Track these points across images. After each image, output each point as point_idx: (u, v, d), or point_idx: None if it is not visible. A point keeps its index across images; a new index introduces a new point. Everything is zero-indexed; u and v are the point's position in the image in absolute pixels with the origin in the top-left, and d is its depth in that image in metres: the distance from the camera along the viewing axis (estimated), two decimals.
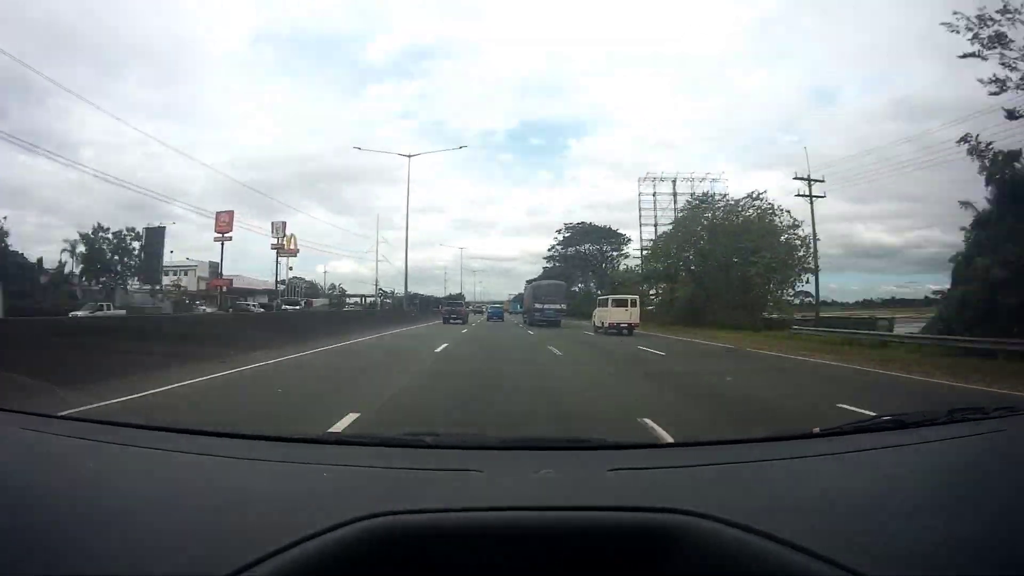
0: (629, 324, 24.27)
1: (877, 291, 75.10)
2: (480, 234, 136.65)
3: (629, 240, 56.59)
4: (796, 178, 28.63)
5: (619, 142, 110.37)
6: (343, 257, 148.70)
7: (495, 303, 63.05)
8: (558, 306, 32.51)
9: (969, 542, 0.86)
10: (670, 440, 3.34)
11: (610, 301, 26.25)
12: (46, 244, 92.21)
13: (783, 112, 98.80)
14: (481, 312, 55.89)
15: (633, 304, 25.37)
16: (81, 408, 4.39)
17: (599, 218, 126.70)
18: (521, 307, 50.36)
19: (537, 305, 32.37)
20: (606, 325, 24.69)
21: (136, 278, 44.73)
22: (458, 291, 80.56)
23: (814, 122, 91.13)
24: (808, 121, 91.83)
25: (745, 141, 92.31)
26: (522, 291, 52.70)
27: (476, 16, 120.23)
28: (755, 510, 0.93)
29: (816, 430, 1.50)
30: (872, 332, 19.69)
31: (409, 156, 31.61)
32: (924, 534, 0.88)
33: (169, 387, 6.80)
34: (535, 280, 42.92)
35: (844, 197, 60.03)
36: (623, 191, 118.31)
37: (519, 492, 1.08)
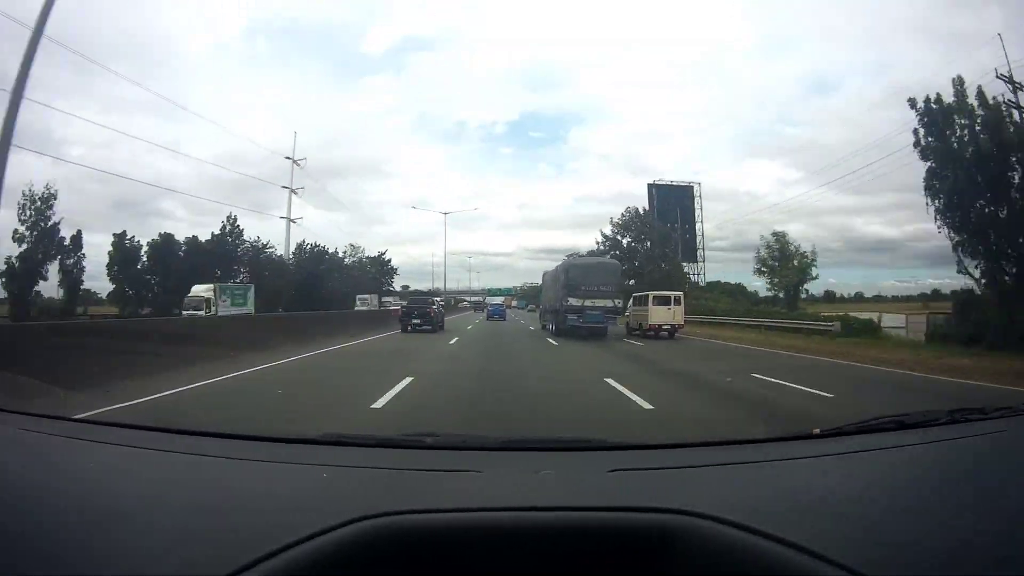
0: (672, 326, 20.93)
1: (878, 286, 75.50)
2: (473, 228, 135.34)
3: None
4: None
5: (614, 135, 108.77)
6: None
7: (495, 291, 58.20)
8: (610, 302, 18.85)
9: (969, 542, 0.85)
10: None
11: (651, 298, 21.50)
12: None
13: (782, 101, 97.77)
14: (480, 310, 48.05)
15: (677, 302, 21.47)
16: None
17: (591, 212, 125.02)
18: (532, 303, 38.32)
19: (574, 301, 18.34)
20: (644, 327, 21.03)
21: None
22: (453, 287, 76.47)
23: (814, 112, 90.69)
24: (808, 111, 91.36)
25: (741, 131, 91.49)
26: (521, 284, 45.03)
27: (472, 7, 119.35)
28: (755, 510, 0.93)
29: (816, 430, 1.49)
30: None
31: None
32: (924, 534, 0.88)
33: None
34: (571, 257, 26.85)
35: (844, 189, 59.80)
36: (619, 184, 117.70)
37: (518, 492, 1.07)
